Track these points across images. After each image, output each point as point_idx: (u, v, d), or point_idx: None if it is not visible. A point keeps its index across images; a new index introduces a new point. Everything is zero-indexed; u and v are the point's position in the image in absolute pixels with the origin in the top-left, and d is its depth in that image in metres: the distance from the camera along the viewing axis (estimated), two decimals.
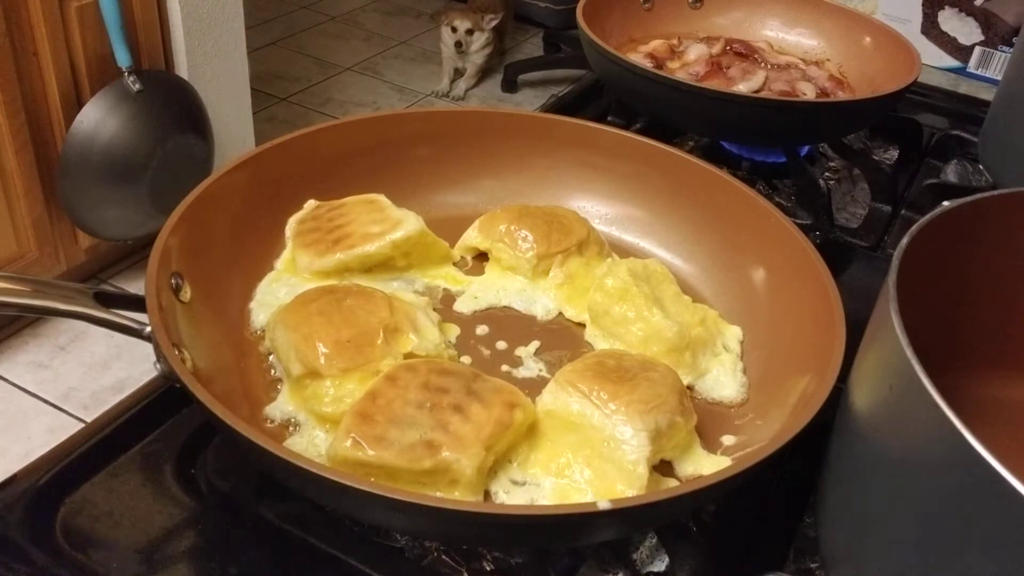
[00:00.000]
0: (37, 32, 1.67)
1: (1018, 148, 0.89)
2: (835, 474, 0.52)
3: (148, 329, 0.53)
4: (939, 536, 0.41)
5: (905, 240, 0.50)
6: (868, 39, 1.06)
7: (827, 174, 1.01)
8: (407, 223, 0.70)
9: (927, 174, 1.04)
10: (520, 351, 0.67)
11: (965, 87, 1.42)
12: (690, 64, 1.04)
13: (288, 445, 0.56)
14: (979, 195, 0.55)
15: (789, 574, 0.56)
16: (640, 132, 0.82)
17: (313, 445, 0.57)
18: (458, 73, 3.07)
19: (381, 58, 3.27)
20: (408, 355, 0.59)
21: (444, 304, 0.70)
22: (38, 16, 1.65)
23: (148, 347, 0.52)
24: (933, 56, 1.47)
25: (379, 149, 0.77)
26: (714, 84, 0.98)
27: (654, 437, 0.55)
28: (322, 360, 0.58)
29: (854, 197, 0.99)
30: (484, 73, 3.13)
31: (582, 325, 0.69)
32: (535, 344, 0.67)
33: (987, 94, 1.07)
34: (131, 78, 1.89)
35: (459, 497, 0.51)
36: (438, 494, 0.52)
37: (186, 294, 0.60)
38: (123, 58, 1.87)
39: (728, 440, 0.61)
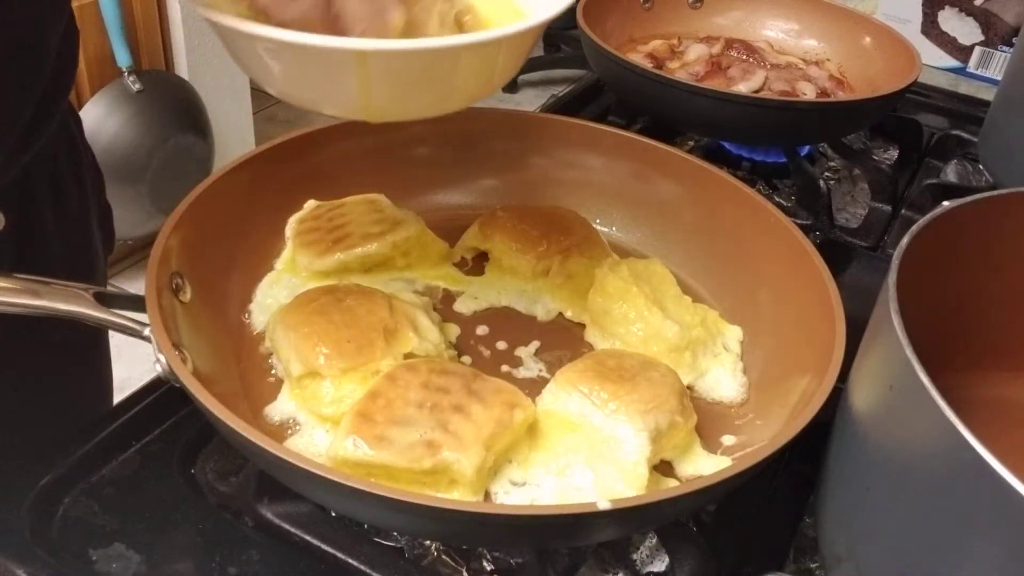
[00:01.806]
0: None
1: (1018, 148, 0.89)
2: (835, 474, 0.52)
3: (148, 329, 0.53)
4: (939, 535, 0.41)
5: (905, 240, 0.50)
6: (868, 39, 1.06)
7: (827, 174, 1.01)
8: (407, 223, 0.70)
9: (927, 174, 1.04)
10: (520, 351, 0.67)
11: (965, 87, 1.42)
12: (690, 64, 1.04)
13: (288, 445, 0.56)
14: (979, 195, 0.55)
15: (789, 574, 0.56)
16: (640, 132, 0.82)
17: (313, 445, 0.57)
18: None
19: None
20: (408, 355, 0.59)
21: (444, 304, 0.70)
22: None
23: (148, 347, 0.52)
24: (933, 56, 1.47)
25: (379, 149, 0.77)
26: (714, 84, 0.98)
27: (654, 437, 0.55)
28: (322, 360, 0.58)
29: (854, 197, 0.99)
30: None
31: (582, 325, 0.69)
32: (535, 344, 0.67)
33: (987, 94, 1.07)
34: (131, 78, 1.89)
35: (459, 497, 0.51)
36: (438, 494, 0.52)
37: (186, 294, 0.60)
38: (123, 58, 1.88)
39: (728, 440, 0.61)
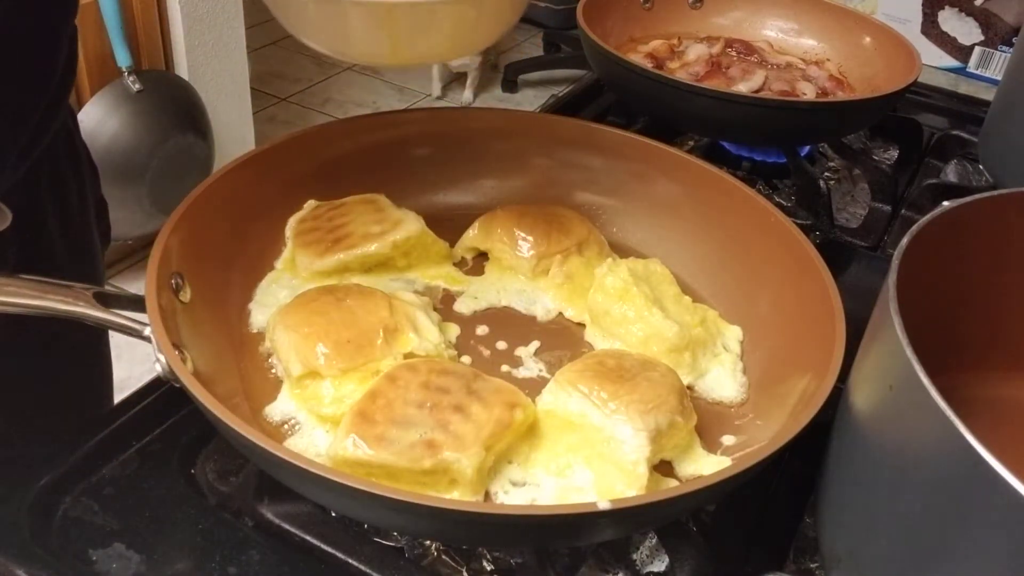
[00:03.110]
0: None
1: (1018, 148, 0.89)
2: (835, 474, 0.52)
3: (148, 329, 0.53)
4: (939, 535, 0.41)
5: (905, 240, 0.50)
6: (868, 39, 1.06)
7: (827, 174, 1.01)
8: (407, 223, 0.70)
9: (927, 174, 1.04)
10: (520, 351, 0.67)
11: (965, 87, 1.42)
12: (690, 64, 1.04)
13: (288, 445, 0.56)
14: (979, 195, 0.54)
15: (789, 574, 0.56)
16: (640, 132, 0.82)
17: (313, 445, 0.57)
18: (450, 75, 3.09)
19: None
20: (408, 355, 0.59)
21: (444, 304, 0.70)
22: None
23: (148, 347, 0.52)
24: (933, 56, 1.47)
25: (379, 149, 0.77)
26: (714, 84, 0.98)
27: (654, 437, 0.55)
28: (322, 360, 0.58)
29: (854, 197, 0.99)
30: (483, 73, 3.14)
31: (582, 325, 0.69)
32: (535, 344, 0.67)
33: (987, 94, 1.07)
34: (131, 78, 1.89)
35: (459, 497, 0.51)
36: (438, 494, 0.52)
37: (186, 294, 0.60)
38: (123, 58, 1.88)
39: (728, 440, 0.61)
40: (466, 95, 3.08)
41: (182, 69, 2.07)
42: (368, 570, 0.53)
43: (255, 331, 0.65)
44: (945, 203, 0.53)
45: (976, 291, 0.58)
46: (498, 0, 0.61)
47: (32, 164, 0.69)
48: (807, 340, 0.61)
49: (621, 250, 0.77)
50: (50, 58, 0.65)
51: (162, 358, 0.51)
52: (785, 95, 0.98)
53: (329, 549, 0.54)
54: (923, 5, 1.46)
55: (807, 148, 0.99)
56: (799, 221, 0.73)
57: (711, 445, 0.60)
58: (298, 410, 0.59)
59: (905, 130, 1.08)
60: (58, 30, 0.65)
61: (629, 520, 0.49)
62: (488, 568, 0.55)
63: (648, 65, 0.97)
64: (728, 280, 0.72)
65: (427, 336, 0.61)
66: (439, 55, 0.64)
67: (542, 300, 0.71)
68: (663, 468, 0.58)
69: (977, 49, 1.45)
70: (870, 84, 1.02)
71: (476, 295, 0.71)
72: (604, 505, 0.44)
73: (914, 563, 0.43)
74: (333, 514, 0.56)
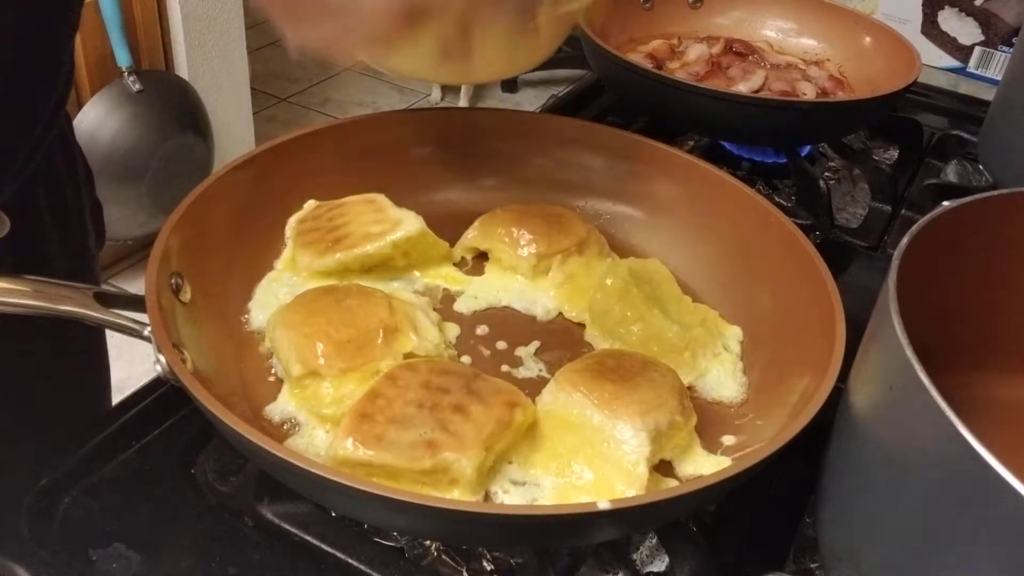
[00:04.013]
0: None
1: (1018, 148, 0.89)
2: (835, 474, 0.52)
3: (148, 329, 0.53)
4: (939, 536, 0.41)
5: (905, 240, 0.50)
6: (868, 39, 1.06)
7: (827, 174, 1.01)
8: (407, 223, 0.70)
9: (927, 174, 1.04)
10: (520, 351, 0.67)
11: (965, 87, 1.42)
12: (690, 64, 1.04)
13: (288, 445, 0.56)
14: (979, 195, 0.55)
15: (789, 574, 0.56)
16: (640, 132, 0.82)
17: (313, 445, 0.57)
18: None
19: None
20: (408, 355, 0.59)
21: (444, 304, 0.70)
22: None
23: (148, 347, 0.52)
24: (933, 56, 1.47)
25: (379, 149, 0.77)
26: (714, 84, 0.98)
27: (654, 437, 0.55)
28: (322, 360, 0.58)
29: (854, 197, 0.99)
30: None
31: (582, 325, 0.69)
32: (535, 344, 0.67)
33: (987, 94, 1.07)
34: (131, 78, 1.90)
35: (459, 497, 0.51)
36: (438, 494, 0.51)
37: (186, 294, 0.60)
38: (123, 58, 1.88)
39: (728, 440, 0.61)
40: (461, 100, 3.07)
41: (182, 69, 2.08)
42: (368, 570, 0.53)
43: (255, 331, 0.65)
44: (945, 203, 0.53)
45: (976, 291, 0.58)
46: (553, 22, 0.60)
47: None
48: (807, 340, 0.61)
49: (621, 250, 0.77)
50: (54, 72, 0.65)
51: (162, 358, 0.51)
52: (785, 95, 0.98)
53: (329, 549, 0.54)
54: (923, 5, 1.47)
55: (807, 148, 0.99)
56: (799, 221, 0.73)
57: (711, 445, 0.60)
58: (298, 410, 0.59)
59: (905, 130, 1.08)
60: (62, 45, 0.65)
61: (629, 520, 0.49)
62: (488, 568, 0.55)
63: (648, 65, 0.97)
64: (728, 280, 0.72)
65: (427, 336, 0.61)
66: (494, 73, 0.64)
67: (542, 300, 0.71)
68: (663, 468, 0.58)
69: (977, 49, 1.45)
70: (870, 84, 1.02)
71: (476, 295, 0.71)
72: (604, 505, 0.44)
73: (914, 563, 0.43)
74: (333, 514, 0.56)
